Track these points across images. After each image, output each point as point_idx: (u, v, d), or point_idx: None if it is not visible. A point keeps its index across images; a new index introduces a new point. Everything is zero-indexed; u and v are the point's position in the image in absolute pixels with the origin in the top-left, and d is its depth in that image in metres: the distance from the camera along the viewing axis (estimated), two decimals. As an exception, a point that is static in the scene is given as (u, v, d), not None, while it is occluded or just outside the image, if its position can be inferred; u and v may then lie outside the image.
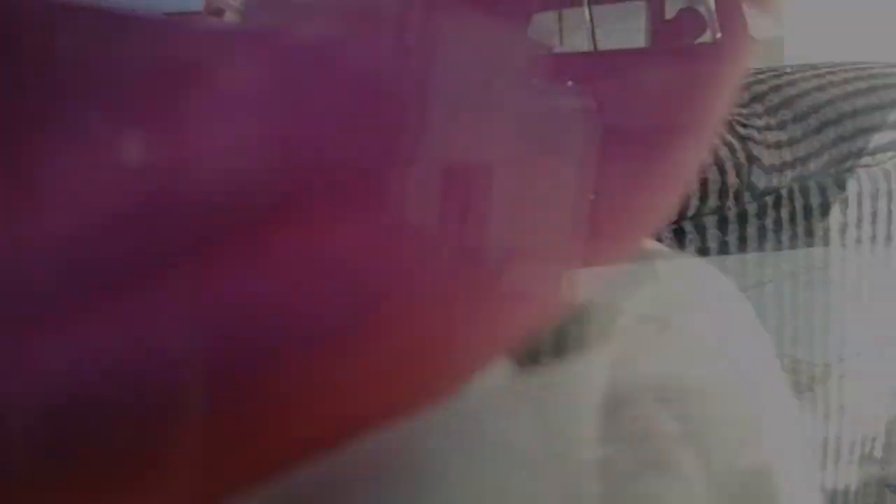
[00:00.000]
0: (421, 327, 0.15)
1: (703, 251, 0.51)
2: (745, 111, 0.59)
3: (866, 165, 0.63)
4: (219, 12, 0.16)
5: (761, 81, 0.64)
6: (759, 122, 0.58)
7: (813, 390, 0.63)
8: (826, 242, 0.59)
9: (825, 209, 0.60)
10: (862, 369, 0.64)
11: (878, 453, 0.66)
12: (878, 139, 0.62)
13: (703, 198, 0.50)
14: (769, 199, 0.55)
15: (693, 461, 0.22)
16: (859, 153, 0.62)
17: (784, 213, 0.56)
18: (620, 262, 0.19)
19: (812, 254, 0.59)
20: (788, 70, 0.68)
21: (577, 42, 0.19)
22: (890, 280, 0.63)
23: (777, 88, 0.63)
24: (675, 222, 0.49)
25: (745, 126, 0.56)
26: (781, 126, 0.59)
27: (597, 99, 0.16)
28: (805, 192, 0.58)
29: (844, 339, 0.62)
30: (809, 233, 0.58)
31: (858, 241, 0.62)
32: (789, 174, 0.57)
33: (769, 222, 0.55)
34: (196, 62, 0.13)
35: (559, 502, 0.21)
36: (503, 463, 0.20)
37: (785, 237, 0.57)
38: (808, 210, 0.58)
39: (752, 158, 0.54)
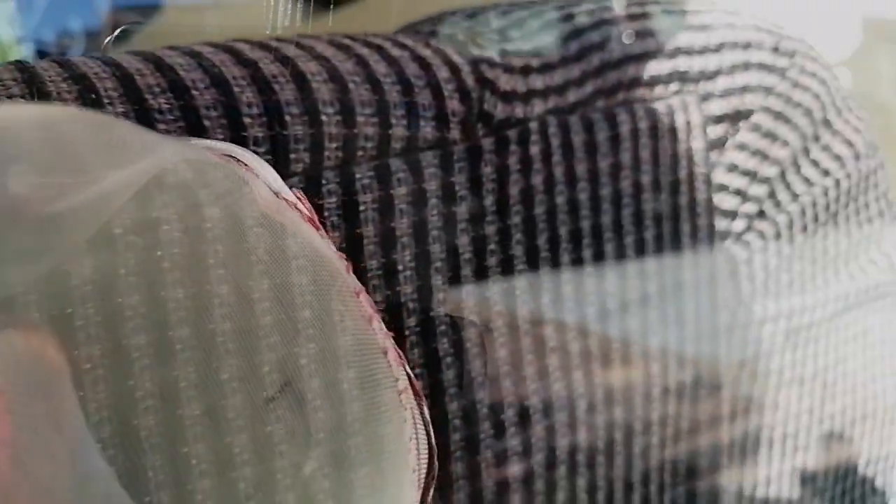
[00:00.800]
0: None
1: (418, 193, 0.41)
2: (494, 35, 0.50)
3: (643, 99, 0.54)
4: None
5: (530, 5, 0.55)
6: (508, 46, 0.49)
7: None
8: (594, 186, 0.51)
9: (591, 148, 0.51)
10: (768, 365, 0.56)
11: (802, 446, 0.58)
12: (654, 68, 0.54)
13: (412, 126, 0.40)
14: (512, 133, 0.46)
15: None
16: (631, 84, 0.53)
17: (534, 150, 0.47)
18: None
19: (577, 201, 0.50)
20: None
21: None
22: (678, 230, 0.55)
23: (541, 14, 0.54)
24: (374, 158, 0.39)
25: (482, 47, 0.47)
26: (536, 52, 0.50)
27: None
28: (565, 128, 0.50)
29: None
30: (571, 175, 0.49)
31: (636, 186, 0.53)
32: (539, 104, 0.48)
33: (513, 161, 0.46)
34: None
35: None
36: None
37: (537, 179, 0.47)
38: (567, 148, 0.49)
39: (483, 82, 0.45)
